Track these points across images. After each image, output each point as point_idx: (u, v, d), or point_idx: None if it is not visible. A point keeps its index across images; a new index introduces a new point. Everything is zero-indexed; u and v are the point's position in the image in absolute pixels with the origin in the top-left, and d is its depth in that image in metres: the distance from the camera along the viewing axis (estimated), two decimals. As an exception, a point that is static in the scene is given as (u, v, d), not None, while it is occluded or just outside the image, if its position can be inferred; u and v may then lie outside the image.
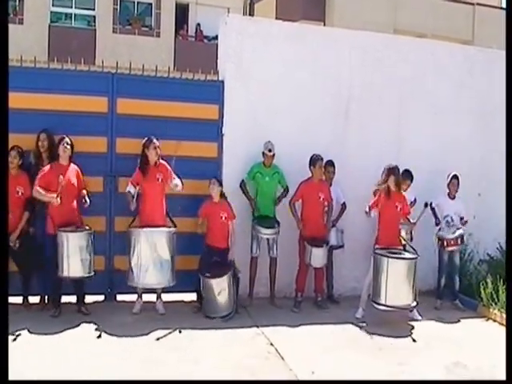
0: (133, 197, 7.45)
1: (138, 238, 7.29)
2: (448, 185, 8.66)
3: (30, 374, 5.42)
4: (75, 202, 7.31)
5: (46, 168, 7.20)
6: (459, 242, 8.50)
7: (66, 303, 7.41)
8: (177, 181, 7.63)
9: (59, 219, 7.11)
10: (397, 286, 7.46)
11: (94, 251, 7.23)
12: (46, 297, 7.52)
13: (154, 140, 7.51)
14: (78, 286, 7.38)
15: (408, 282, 7.50)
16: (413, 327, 7.58)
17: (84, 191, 7.38)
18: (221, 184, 7.82)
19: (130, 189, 7.51)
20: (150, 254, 7.27)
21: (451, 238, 8.44)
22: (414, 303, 7.65)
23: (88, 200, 7.35)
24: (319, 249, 7.99)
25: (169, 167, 7.61)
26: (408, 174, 8.43)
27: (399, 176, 7.83)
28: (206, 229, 7.81)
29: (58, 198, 6.99)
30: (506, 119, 7.90)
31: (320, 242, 8.02)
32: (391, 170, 7.77)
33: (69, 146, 7.25)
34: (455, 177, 8.62)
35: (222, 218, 7.75)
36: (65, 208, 7.14)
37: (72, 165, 7.35)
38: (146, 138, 7.53)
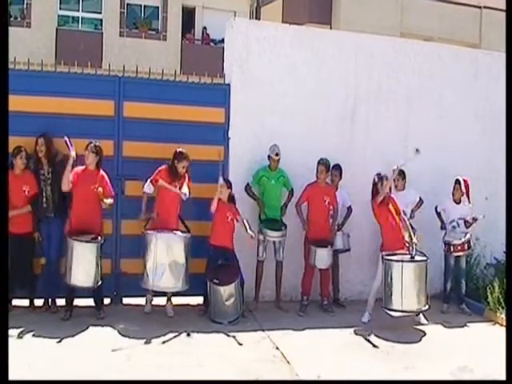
0: (146, 204, 7.51)
1: (155, 242, 7.27)
2: (453, 188, 8.64)
3: (31, 374, 5.44)
4: (97, 209, 7.29)
5: (78, 169, 7.23)
6: (466, 247, 8.48)
7: (74, 306, 7.41)
8: (186, 189, 7.63)
9: (78, 223, 7.15)
10: (411, 290, 7.45)
11: (100, 261, 7.18)
12: (50, 300, 7.53)
13: (187, 155, 7.53)
14: (95, 291, 7.37)
15: (421, 284, 7.50)
16: (419, 331, 7.56)
17: (110, 200, 7.36)
18: (230, 186, 7.79)
19: (148, 189, 7.52)
20: (167, 257, 7.27)
21: (458, 244, 8.42)
22: (427, 307, 7.63)
23: (109, 202, 7.34)
24: (323, 249, 7.98)
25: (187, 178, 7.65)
26: (401, 173, 8.44)
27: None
28: (212, 227, 7.80)
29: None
30: (506, 120, 7.91)
31: (324, 243, 8.02)
32: (380, 178, 7.82)
33: (92, 153, 7.23)
34: (457, 181, 8.59)
35: (228, 218, 7.74)
36: (85, 213, 7.15)
37: (101, 171, 7.34)
38: (180, 150, 7.53)
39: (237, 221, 7.80)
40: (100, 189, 7.16)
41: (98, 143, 7.32)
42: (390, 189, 7.96)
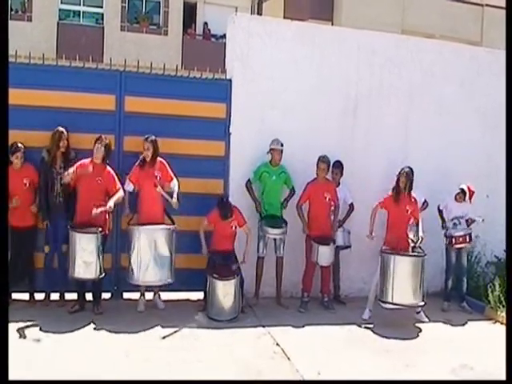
0: (128, 202, 7.52)
1: (137, 236, 7.30)
2: (456, 193, 8.61)
3: (30, 372, 5.41)
4: (102, 201, 7.23)
5: (84, 161, 7.21)
6: (467, 239, 8.47)
7: (72, 300, 7.42)
8: (175, 182, 7.61)
9: (82, 216, 7.14)
10: (404, 283, 7.44)
11: (101, 253, 7.16)
12: (57, 294, 7.52)
13: (150, 138, 7.48)
14: (95, 285, 7.37)
15: (415, 280, 7.47)
16: (420, 329, 7.56)
17: (119, 193, 7.33)
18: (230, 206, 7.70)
19: (128, 187, 7.52)
20: (149, 251, 7.28)
21: (459, 235, 8.42)
22: (422, 303, 7.62)
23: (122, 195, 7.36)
24: (326, 247, 7.96)
25: (167, 166, 7.61)
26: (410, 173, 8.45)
27: (408, 178, 7.80)
28: (212, 233, 7.78)
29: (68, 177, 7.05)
30: (506, 118, 7.91)
31: (327, 241, 8.00)
32: (405, 173, 7.80)
33: (102, 147, 7.25)
34: (462, 191, 8.55)
35: (232, 227, 7.73)
36: (90, 205, 7.11)
37: (107, 166, 7.33)
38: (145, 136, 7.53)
39: (240, 227, 7.78)
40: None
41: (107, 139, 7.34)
42: (407, 188, 7.87)
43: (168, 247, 7.39)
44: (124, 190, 7.45)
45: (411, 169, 7.88)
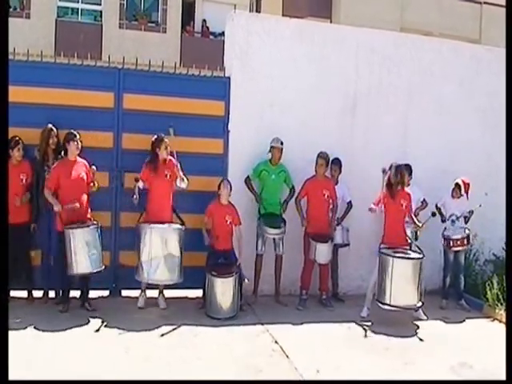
0: (138, 193, 7.46)
1: (150, 234, 7.29)
2: (452, 189, 8.61)
3: (30, 372, 5.39)
4: (84, 197, 7.27)
5: (55, 166, 7.17)
6: (465, 242, 8.48)
7: (72, 298, 7.39)
8: (183, 179, 7.60)
9: (67, 216, 7.09)
10: (402, 286, 7.42)
11: (101, 245, 7.19)
12: (53, 292, 7.51)
13: (165, 138, 7.49)
14: (83, 282, 7.35)
15: (413, 282, 7.46)
16: (418, 327, 7.55)
17: (93, 184, 7.37)
18: (231, 187, 7.78)
19: (140, 184, 7.50)
20: (161, 250, 7.29)
21: (457, 239, 8.42)
22: (420, 304, 7.62)
23: (96, 184, 7.38)
24: (324, 244, 7.96)
25: (176, 163, 7.58)
26: (407, 169, 8.45)
27: (401, 173, 7.78)
28: (210, 229, 7.77)
29: (60, 206, 7.02)
30: (506, 116, 7.90)
31: (325, 238, 7.99)
32: (395, 168, 7.76)
33: (80, 143, 7.23)
34: (456, 185, 8.56)
35: (227, 221, 7.72)
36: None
37: (79, 159, 7.31)
38: (155, 136, 7.50)
39: (235, 225, 7.77)
40: (94, 167, 7.29)
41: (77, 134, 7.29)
42: (402, 184, 7.83)
43: (179, 247, 7.42)
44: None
45: (401, 164, 7.83)
